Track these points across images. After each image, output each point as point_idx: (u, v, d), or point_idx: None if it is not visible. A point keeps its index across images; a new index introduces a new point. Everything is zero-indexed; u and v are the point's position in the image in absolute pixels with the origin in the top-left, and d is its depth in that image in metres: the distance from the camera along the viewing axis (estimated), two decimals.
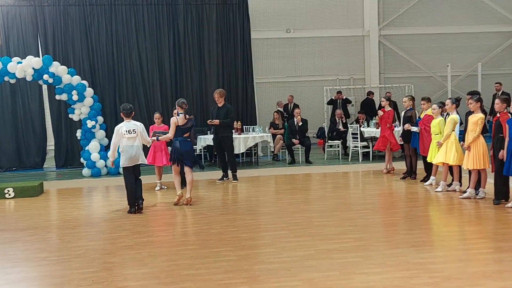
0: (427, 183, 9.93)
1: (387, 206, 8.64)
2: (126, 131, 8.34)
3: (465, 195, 8.55)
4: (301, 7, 18.54)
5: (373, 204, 8.64)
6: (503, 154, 7.68)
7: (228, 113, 11.07)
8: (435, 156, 9.32)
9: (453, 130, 9.03)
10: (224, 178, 11.21)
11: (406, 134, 10.64)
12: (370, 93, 17.70)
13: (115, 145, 8.39)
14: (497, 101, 8.03)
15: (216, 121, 10.98)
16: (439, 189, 9.23)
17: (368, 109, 16.42)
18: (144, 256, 6.04)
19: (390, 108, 11.67)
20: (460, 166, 9.13)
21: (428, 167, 10.01)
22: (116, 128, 8.48)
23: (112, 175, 12.68)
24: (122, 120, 8.60)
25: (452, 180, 9.29)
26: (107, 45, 14.91)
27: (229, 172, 11.25)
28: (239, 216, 7.97)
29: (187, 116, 8.85)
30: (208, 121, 11.47)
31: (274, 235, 6.72)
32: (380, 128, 11.85)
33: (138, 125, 8.53)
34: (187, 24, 15.39)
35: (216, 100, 11.16)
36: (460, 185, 9.18)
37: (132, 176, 8.39)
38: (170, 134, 8.87)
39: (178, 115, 8.84)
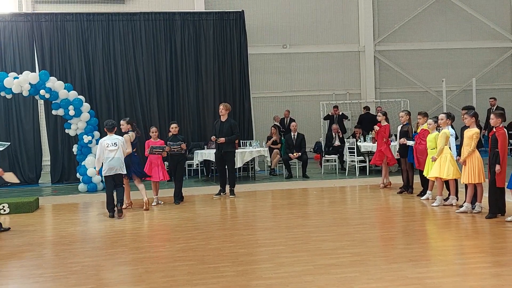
0: (424, 197, 9.94)
1: (384, 221, 8.63)
2: (110, 144, 9.24)
3: (461, 209, 8.55)
4: (297, 23, 18.72)
5: (370, 219, 8.64)
6: (499, 168, 7.74)
7: (233, 129, 10.93)
8: (430, 170, 9.36)
9: (446, 144, 9.07)
10: (221, 193, 11.16)
11: (402, 149, 10.68)
12: (368, 108, 17.77)
13: (101, 156, 9.25)
14: (492, 116, 8.09)
15: (222, 139, 10.79)
16: (435, 203, 9.23)
17: (369, 124, 16.56)
18: (141, 272, 6.00)
19: (386, 123, 11.72)
20: (456, 180, 9.17)
21: (425, 181, 10.03)
22: (100, 141, 9.38)
23: None
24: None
25: (449, 194, 9.31)
26: (104, 61, 14.98)
27: (227, 186, 11.21)
28: (237, 231, 7.94)
29: (136, 133, 10.09)
30: (212, 138, 11.12)
31: (271, 251, 6.70)
32: (376, 142, 11.88)
33: (120, 139, 9.40)
34: (184, 40, 15.49)
35: (220, 113, 11.04)
36: (457, 199, 9.19)
37: (112, 184, 9.28)
38: (129, 149, 9.66)
39: (128, 132, 9.82)
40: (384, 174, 11.71)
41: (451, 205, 9.12)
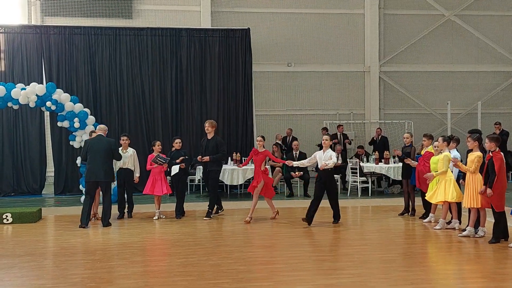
0: (426, 220, 9.91)
1: (386, 243, 8.59)
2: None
3: (464, 233, 8.53)
4: (302, 42, 18.87)
5: (371, 240, 8.61)
6: (490, 192, 7.76)
7: (218, 147, 10.31)
8: (434, 195, 9.30)
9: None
10: (219, 211, 10.89)
11: (405, 171, 10.67)
12: (326, 129, 17.67)
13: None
14: (486, 140, 8.09)
15: (206, 158, 10.22)
16: (438, 226, 9.21)
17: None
18: (141, 286, 5.99)
19: (264, 149, 10.30)
20: (459, 204, 9.15)
21: (427, 204, 10.00)
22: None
23: None
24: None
25: (452, 218, 9.28)
26: (110, 74, 15.09)
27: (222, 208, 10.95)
28: (237, 248, 7.93)
29: None
30: (198, 158, 10.50)
31: (271, 268, 6.68)
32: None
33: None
34: (190, 56, 15.60)
35: (206, 131, 10.54)
36: (460, 223, 9.16)
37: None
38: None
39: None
40: (253, 207, 10.13)
41: (454, 228, 9.09)
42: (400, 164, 11.30)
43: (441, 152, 9.55)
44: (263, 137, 10.40)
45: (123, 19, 17.36)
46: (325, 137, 9.82)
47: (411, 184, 10.51)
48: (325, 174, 9.56)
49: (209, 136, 10.51)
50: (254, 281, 6.24)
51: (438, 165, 9.14)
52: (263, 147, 10.29)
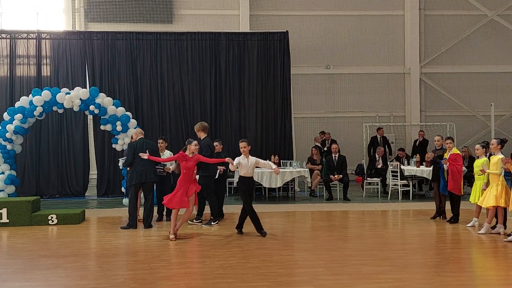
0: (470, 224, 9.67)
1: (427, 247, 8.41)
2: None
3: (509, 238, 8.28)
4: (341, 44, 18.73)
5: (413, 244, 8.45)
6: None
7: (202, 150, 9.62)
8: (485, 199, 9.04)
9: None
10: (213, 223, 10.17)
11: (435, 174, 10.51)
12: (324, 132, 17.33)
13: None
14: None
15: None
16: (482, 231, 8.97)
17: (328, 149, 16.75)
18: (182, 287, 6.06)
19: (193, 153, 9.05)
20: (505, 208, 8.89)
21: (455, 207, 9.84)
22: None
23: None
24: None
25: (496, 223, 9.02)
26: (151, 78, 15.39)
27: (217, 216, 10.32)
28: (276, 251, 7.92)
29: None
30: None
31: (311, 272, 6.65)
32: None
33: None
34: (228, 59, 15.74)
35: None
36: (505, 228, 8.90)
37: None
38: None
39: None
40: (180, 223, 8.97)
41: (499, 233, 8.83)
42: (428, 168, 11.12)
43: (485, 155, 9.36)
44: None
45: (164, 24, 17.67)
46: (242, 143, 8.85)
47: (441, 192, 10.31)
48: (250, 180, 8.97)
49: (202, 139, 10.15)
50: (294, 284, 6.22)
51: (491, 167, 8.91)
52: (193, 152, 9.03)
